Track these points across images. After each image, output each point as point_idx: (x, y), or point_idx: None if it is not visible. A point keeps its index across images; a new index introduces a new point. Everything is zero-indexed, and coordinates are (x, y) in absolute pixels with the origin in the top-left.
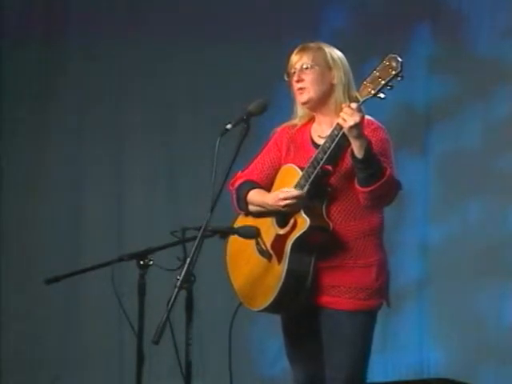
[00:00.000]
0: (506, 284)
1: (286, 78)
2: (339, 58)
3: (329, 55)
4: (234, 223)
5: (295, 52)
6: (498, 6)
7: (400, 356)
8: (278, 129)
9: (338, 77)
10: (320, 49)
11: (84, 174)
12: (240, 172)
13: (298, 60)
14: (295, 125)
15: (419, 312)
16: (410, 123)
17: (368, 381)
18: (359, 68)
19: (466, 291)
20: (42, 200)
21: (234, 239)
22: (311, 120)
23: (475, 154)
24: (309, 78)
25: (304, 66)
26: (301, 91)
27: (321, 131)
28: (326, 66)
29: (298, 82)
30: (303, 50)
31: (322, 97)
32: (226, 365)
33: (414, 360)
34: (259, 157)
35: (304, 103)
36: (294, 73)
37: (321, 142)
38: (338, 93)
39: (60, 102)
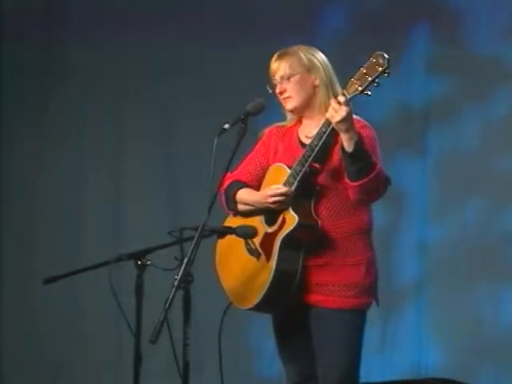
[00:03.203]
0: (504, 284)
1: (269, 90)
2: (318, 59)
3: (305, 59)
4: (223, 224)
5: (273, 61)
6: (496, 5)
7: (398, 356)
8: (267, 130)
9: (319, 78)
10: (295, 54)
11: (83, 173)
12: (229, 173)
13: (277, 70)
14: (284, 126)
15: (417, 312)
16: (408, 123)
17: (366, 380)
18: (356, 67)
19: (464, 291)
20: (41, 200)
21: (222, 240)
22: (299, 121)
23: (473, 153)
24: (290, 87)
25: (285, 76)
26: (285, 100)
27: (308, 132)
28: (305, 71)
29: (281, 93)
30: (280, 58)
31: (307, 101)
32: (223, 364)
33: (412, 360)
34: (248, 158)
35: (291, 111)
36: (277, 82)
37: (308, 141)
38: (322, 93)
39: (59, 102)
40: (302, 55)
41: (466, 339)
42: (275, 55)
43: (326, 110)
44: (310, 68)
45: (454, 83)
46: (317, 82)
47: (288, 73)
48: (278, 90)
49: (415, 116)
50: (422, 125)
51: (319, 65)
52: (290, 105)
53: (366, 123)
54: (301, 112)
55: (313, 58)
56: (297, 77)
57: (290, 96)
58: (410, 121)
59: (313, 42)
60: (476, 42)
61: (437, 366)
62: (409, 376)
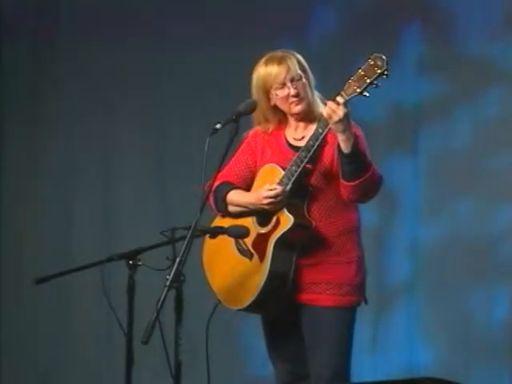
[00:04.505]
0: (495, 284)
1: (274, 94)
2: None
3: (302, 60)
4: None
5: (276, 64)
6: (487, 6)
7: (390, 355)
8: (251, 131)
9: (310, 79)
10: (293, 56)
11: (75, 174)
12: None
13: (287, 72)
14: (267, 129)
15: (409, 311)
16: (399, 123)
17: (357, 380)
18: (348, 68)
19: (455, 291)
20: (33, 201)
21: (209, 240)
22: (281, 124)
23: (465, 153)
24: (302, 87)
25: (296, 78)
26: (298, 102)
27: (295, 134)
28: (305, 71)
29: (296, 95)
30: (283, 60)
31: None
32: (216, 365)
33: (403, 359)
34: (234, 159)
35: (299, 113)
36: (284, 84)
37: (297, 143)
38: (314, 95)
39: (53, 103)
40: (298, 57)
41: (458, 338)
42: (273, 59)
43: (313, 111)
44: (305, 69)
45: (445, 83)
46: (311, 82)
47: (299, 73)
48: (292, 92)
49: (407, 116)
50: (414, 124)
51: (307, 66)
52: (301, 106)
53: (354, 123)
54: (304, 113)
55: (302, 59)
56: (305, 77)
57: (304, 97)
58: (402, 120)
59: (305, 43)
60: (467, 42)
61: (428, 366)
62: (400, 375)
